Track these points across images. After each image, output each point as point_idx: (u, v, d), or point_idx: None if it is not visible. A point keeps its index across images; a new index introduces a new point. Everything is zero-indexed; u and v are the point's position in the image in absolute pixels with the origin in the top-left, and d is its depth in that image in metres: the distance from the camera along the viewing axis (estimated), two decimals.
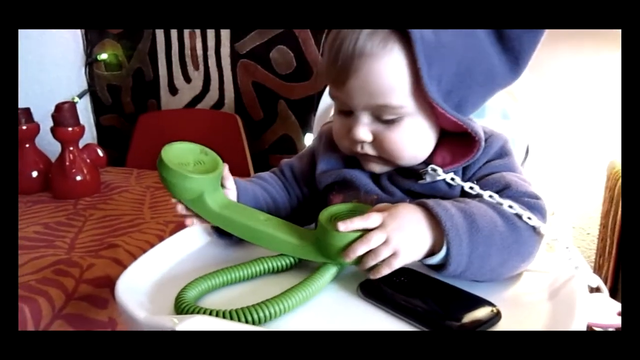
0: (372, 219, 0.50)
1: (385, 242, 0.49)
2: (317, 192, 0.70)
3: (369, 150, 0.60)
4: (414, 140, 0.59)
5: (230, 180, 0.63)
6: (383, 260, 0.49)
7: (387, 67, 0.54)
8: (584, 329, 0.43)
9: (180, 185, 0.55)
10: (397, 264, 0.49)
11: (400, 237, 0.49)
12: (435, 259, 0.50)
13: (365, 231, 0.49)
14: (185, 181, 0.55)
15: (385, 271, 0.49)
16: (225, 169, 0.60)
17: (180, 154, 0.58)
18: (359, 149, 0.60)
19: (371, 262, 0.49)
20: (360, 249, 0.49)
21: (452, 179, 0.57)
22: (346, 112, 0.60)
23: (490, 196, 0.53)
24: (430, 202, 0.51)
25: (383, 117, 0.57)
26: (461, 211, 0.50)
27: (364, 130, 0.58)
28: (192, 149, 0.59)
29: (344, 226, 0.49)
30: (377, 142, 0.59)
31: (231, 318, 0.45)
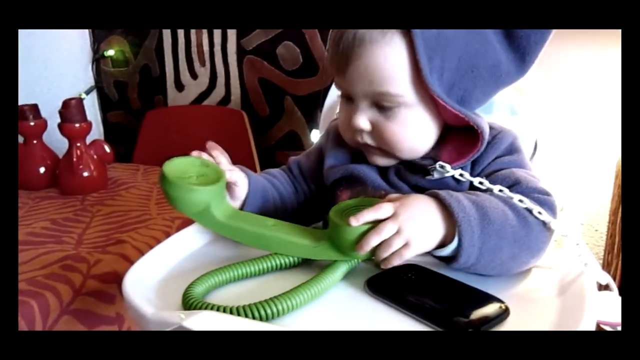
0: (383, 209, 0.50)
1: (397, 232, 0.48)
2: (324, 188, 0.70)
3: (369, 140, 0.60)
4: (413, 131, 0.58)
5: (235, 173, 0.62)
6: (394, 251, 0.49)
7: (385, 55, 0.54)
8: (593, 326, 0.43)
9: (185, 198, 0.55)
10: (408, 255, 0.49)
11: (412, 227, 0.49)
12: (446, 250, 0.50)
13: (377, 222, 0.49)
14: (191, 194, 0.55)
15: (396, 261, 0.49)
16: (228, 174, 0.60)
17: (181, 168, 0.57)
18: (358, 138, 0.61)
19: (384, 253, 0.49)
20: (373, 240, 0.48)
21: (461, 175, 0.57)
22: (349, 102, 0.61)
23: (500, 190, 0.53)
24: (443, 192, 0.51)
25: (382, 105, 0.57)
26: (473, 203, 0.50)
27: (363, 119, 0.58)
28: (192, 162, 0.59)
29: (355, 220, 0.49)
30: (376, 132, 0.59)
31: (238, 314, 0.44)
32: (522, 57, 0.56)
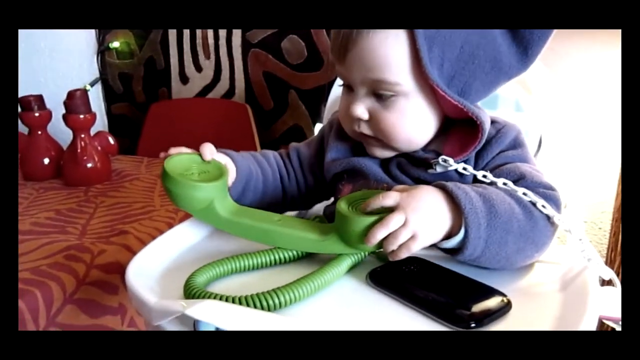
0: (389, 197, 0.49)
1: (404, 224, 0.48)
2: (320, 181, 0.70)
3: (365, 129, 0.60)
4: (410, 122, 0.58)
5: (222, 156, 0.62)
6: (402, 244, 0.48)
7: (384, 41, 0.54)
8: (596, 321, 0.43)
9: (188, 195, 0.55)
10: (415, 247, 0.48)
11: (419, 218, 0.48)
12: (452, 242, 0.50)
13: (384, 215, 0.48)
14: (194, 191, 0.55)
15: (404, 254, 0.49)
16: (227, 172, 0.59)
17: (183, 164, 0.57)
18: (356, 127, 0.60)
19: (391, 246, 0.48)
20: (380, 233, 0.48)
21: (464, 169, 0.57)
22: (349, 91, 0.61)
23: (505, 184, 0.53)
24: (450, 184, 0.50)
25: (380, 93, 0.57)
26: (480, 195, 0.50)
27: (360, 108, 0.58)
28: (193, 158, 0.59)
29: (366, 206, 0.49)
30: (373, 121, 0.59)
31: (240, 304, 0.44)
32: (525, 51, 0.56)
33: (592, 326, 0.41)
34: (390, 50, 0.54)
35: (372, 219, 0.49)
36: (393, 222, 0.48)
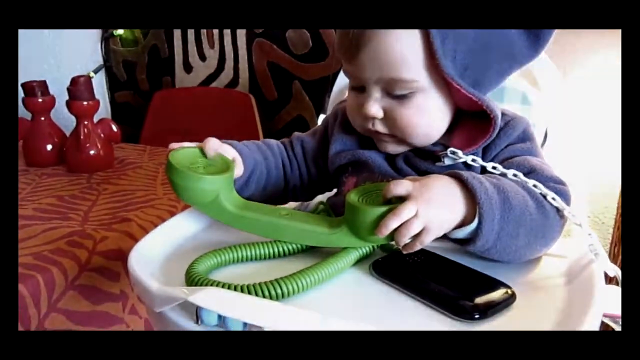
0: (401, 185, 0.48)
1: (415, 215, 0.46)
2: (323, 172, 0.69)
3: (380, 127, 0.59)
4: (426, 117, 0.57)
5: (229, 149, 0.61)
6: (414, 236, 0.47)
7: (399, 39, 0.53)
8: (601, 316, 0.43)
9: (193, 188, 0.54)
10: (428, 239, 0.47)
11: (431, 209, 0.47)
12: (464, 232, 0.49)
13: (396, 205, 0.47)
14: (199, 183, 0.54)
15: (416, 247, 0.48)
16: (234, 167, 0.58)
17: (188, 157, 0.57)
18: (370, 126, 0.59)
19: (403, 238, 0.47)
20: (391, 223, 0.46)
21: (473, 160, 0.56)
22: (359, 89, 0.59)
23: (515, 175, 0.52)
24: (465, 173, 0.49)
25: (395, 92, 0.56)
26: (495, 186, 0.49)
27: (375, 106, 0.57)
28: (199, 152, 0.58)
29: (388, 192, 0.48)
30: (388, 118, 0.58)
31: (242, 292, 0.44)
32: (536, 37, 0.55)
33: (596, 321, 0.41)
34: (405, 46, 0.53)
35: (383, 209, 0.48)
36: (405, 212, 0.46)
